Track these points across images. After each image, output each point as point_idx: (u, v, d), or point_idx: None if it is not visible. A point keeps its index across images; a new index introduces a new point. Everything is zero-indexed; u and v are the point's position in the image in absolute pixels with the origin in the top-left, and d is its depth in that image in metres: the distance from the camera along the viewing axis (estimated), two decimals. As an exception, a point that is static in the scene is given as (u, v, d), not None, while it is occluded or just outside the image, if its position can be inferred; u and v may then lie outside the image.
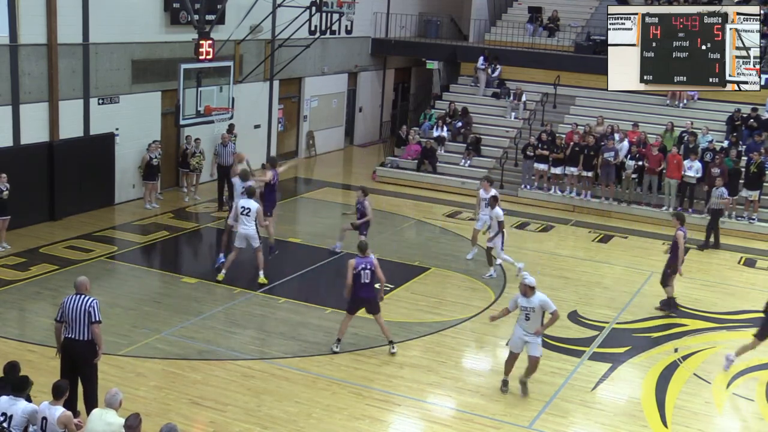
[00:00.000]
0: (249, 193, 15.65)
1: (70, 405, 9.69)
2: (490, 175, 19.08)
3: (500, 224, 16.43)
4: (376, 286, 12.84)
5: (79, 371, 10.13)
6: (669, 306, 15.34)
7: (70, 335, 10.03)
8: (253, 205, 15.47)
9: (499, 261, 16.78)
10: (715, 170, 21.08)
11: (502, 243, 16.56)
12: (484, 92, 27.51)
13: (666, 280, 15.31)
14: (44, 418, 8.48)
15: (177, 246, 18.37)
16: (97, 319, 9.99)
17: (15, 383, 8.89)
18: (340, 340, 12.95)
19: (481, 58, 27.70)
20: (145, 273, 16.32)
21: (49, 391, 10.34)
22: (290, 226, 19.62)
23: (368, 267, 12.63)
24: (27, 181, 17.72)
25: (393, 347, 12.96)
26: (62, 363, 10.23)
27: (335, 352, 12.80)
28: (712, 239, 19.79)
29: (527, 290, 11.46)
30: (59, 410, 8.52)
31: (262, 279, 15.61)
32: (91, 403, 9.98)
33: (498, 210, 16.49)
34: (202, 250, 18.64)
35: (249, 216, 15.37)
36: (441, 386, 12.13)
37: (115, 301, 14.26)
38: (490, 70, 27.83)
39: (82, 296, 10.05)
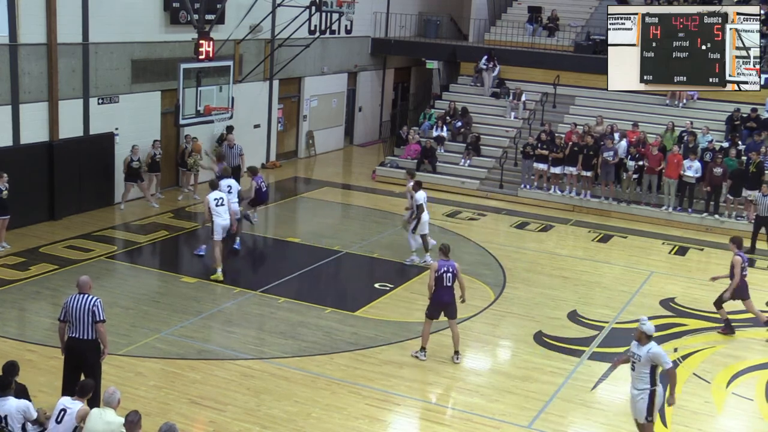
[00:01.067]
0: (212, 186, 16.06)
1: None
2: (412, 170, 20.15)
3: (419, 208, 16.88)
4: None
5: (82, 370, 10.14)
6: (729, 329, 14.63)
7: (73, 335, 10.04)
8: (223, 195, 15.85)
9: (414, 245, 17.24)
10: (717, 170, 21.12)
11: (415, 227, 16.97)
12: (487, 92, 27.45)
13: (719, 303, 14.64)
14: (63, 410, 8.59)
15: (176, 246, 18.36)
16: (102, 318, 10.01)
17: None
18: (425, 349, 12.80)
19: (485, 57, 27.68)
20: (145, 272, 16.31)
21: (48, 391, 10.48)
22: (290, 226, 19.63)
23: (451, 270, 12.51)
24: (27, 180, 17.72)
25: (457, 357, 12.79)
26: (66, 362, 10.25)
27: (422, 360, 12.72)
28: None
29: (642, 337, 9.91)
30: (78, 405, 8.64)
31: (217, 275, 15.52)
32: (94, 404, 9.97)
33: (418, 194, 16.95)
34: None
35: (224, 206, 15.68)
36: (440, 386, 12.14)
37: (115, 300, 14.25)
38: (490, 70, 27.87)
39: (85, 296, 10.05)
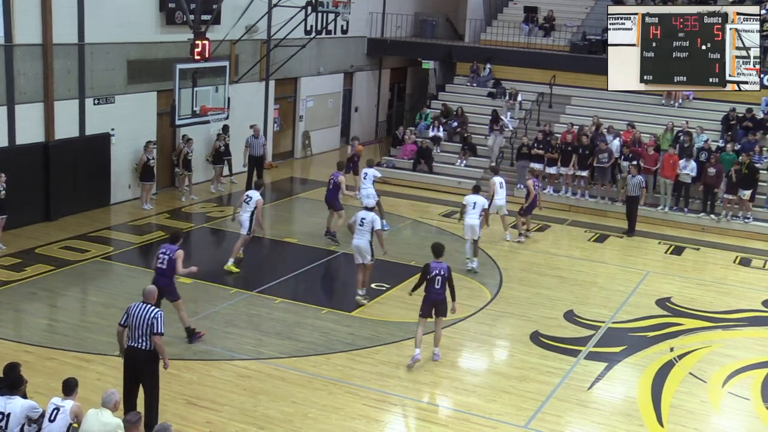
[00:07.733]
0: (257, 186, 17.13)
1: (130, 410, 9.78)
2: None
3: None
4: None
5: (140, 381, 10.20)
6: None
7: (132, 343, 10.10)
8: (255, 194, 16.37)
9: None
10: (711, 170, 21.14)
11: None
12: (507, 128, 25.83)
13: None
14: (56, 409, 8.56)
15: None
16: (160, 330, 10.02)
17: (9, 381, 8.93)
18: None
19: (508, 94, 26.35)
20: (141, 273, 16.24)
21: (45, 392, 10.42)
22: (286, 226, 19.62)
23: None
24: (22, 181, 17.66)
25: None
26: (125, 370, 10.32)
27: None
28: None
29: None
30: (70, 402, 8.64)
31: (230, 266, 16.15)
32: (150, 414, 10.00)
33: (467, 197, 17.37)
34: (198, 250, 18.58)
35: (248, 204, 16.27)
36: (437, 386, 12.14)
37: (111, 301, 14.22)
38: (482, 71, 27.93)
39: (148, 306, 10.14)
